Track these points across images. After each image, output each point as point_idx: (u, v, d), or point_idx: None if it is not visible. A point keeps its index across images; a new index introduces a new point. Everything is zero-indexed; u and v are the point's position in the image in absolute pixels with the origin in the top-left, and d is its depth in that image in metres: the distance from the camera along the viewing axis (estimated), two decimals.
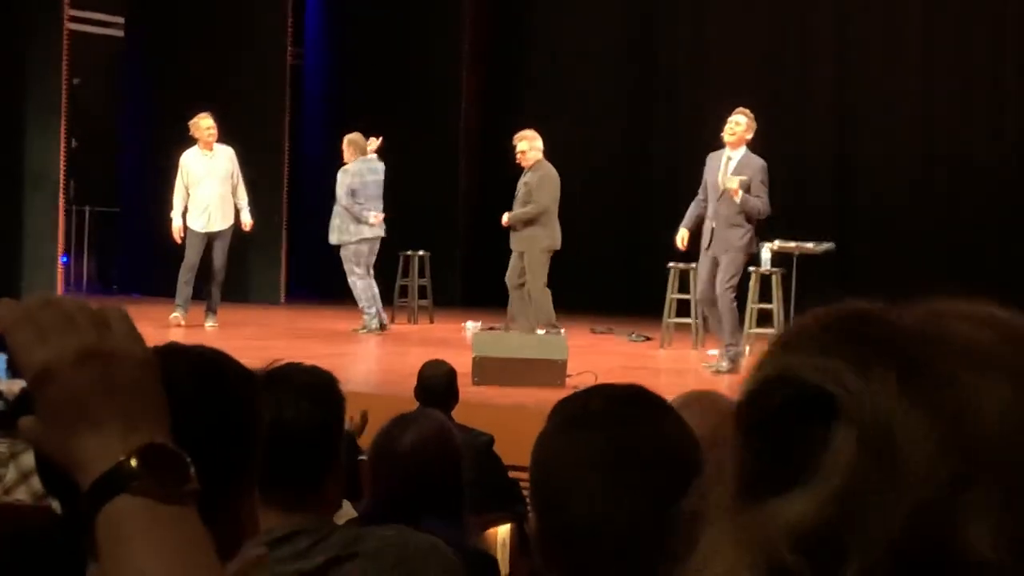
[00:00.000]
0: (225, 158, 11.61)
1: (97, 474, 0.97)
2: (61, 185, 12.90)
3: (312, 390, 2.33)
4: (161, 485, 0.97)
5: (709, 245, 9.52)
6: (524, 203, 10.63)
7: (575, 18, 15.01)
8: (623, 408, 1.61)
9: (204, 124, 11.49)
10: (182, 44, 14.30)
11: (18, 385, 1.02)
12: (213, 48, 14.16)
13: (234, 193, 11.58)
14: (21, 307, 1.01)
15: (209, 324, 11.54)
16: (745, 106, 9.90)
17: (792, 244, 10.97)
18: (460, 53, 15.27)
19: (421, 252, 13.07)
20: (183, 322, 11.33)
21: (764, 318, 10.91)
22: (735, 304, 9.65)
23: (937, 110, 13.41)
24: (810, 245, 11.03)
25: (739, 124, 9.51)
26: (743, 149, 9.53)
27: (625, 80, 14.79)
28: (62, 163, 12.84)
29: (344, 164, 11.79)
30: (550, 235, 10.65)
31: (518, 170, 11.10)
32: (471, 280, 14.98)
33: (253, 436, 1.48)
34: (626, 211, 14.73)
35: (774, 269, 10.77)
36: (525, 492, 5.39)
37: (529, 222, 10.58)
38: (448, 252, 14.46)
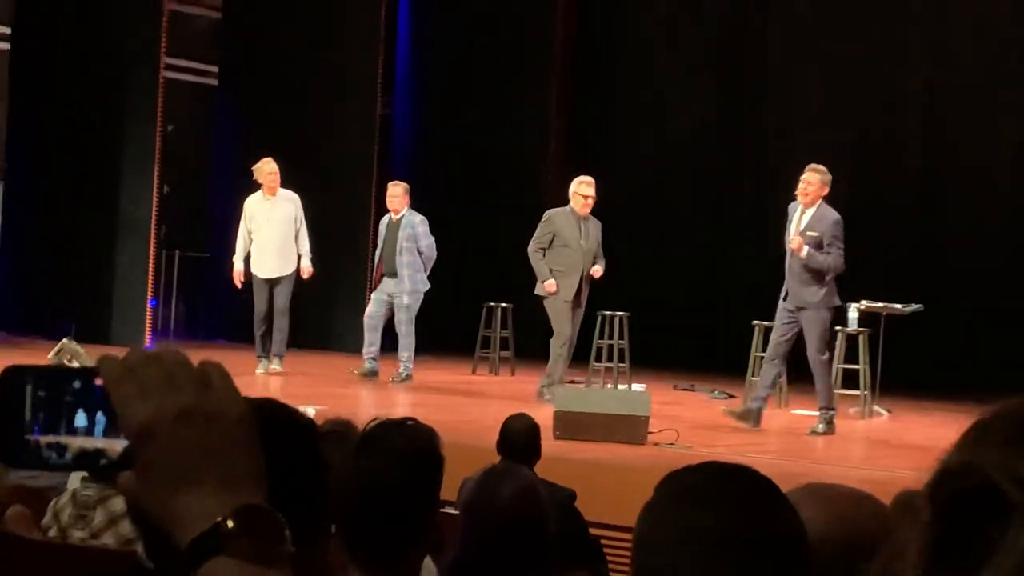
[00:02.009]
0: (288, 203, 11.46)
1: (194, 533, 0.97)
2: (152, 229, 13.10)
3: (409, 454, 2.30)
4: (257, 546, 0.97)
5: (786, 296, 9.47)
6: (595, 251, 10.56)
7: (661, 75, 15.03)
8: (733, 489, 1.59)
9: (267, 169, 11.38)
10: (274, 93, 14.51)
11: (120, 444, 1.03)
12: (304, 97, 14.35)
13: (297, 239, 11.46)
14: (124, 362, 1.02)
15: (273, 367, 11.39)
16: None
17: (880, 304, 10.85)
18: (547, 106, 15.35)
19: (504, 304, 13.09)
20: (267, 371, 11.27)
21: (850, 378, 10.77)
22: (829, 365, 9.58)
23: None
24: (898, 306, 10.90)
25: (811, 184, 9.41)
26: (819, 203, 9.45)
27: (708, 137, 14.75)
28: (154, 208, 13.04)
29: (402, 211, 11.61)
30: None
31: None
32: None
33: (316, 487, 1.48)
34: (709, 265, 14.65)
35: (861, 329, 10.65)
36: (606, 550, 5.34)
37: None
38: (531, 304, 14.44)
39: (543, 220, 10.68)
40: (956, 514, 0.67)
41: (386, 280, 11.53)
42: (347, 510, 2.21)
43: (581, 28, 15.65)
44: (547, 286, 10.50)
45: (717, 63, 14.91)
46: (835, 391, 9.97)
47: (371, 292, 11.77)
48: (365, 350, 11.58)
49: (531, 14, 15.32)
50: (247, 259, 11.40)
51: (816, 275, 9.29)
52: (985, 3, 13.49)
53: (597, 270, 10.58)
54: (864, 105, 13.97)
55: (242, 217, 11.49)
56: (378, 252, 11.71)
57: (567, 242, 10.54)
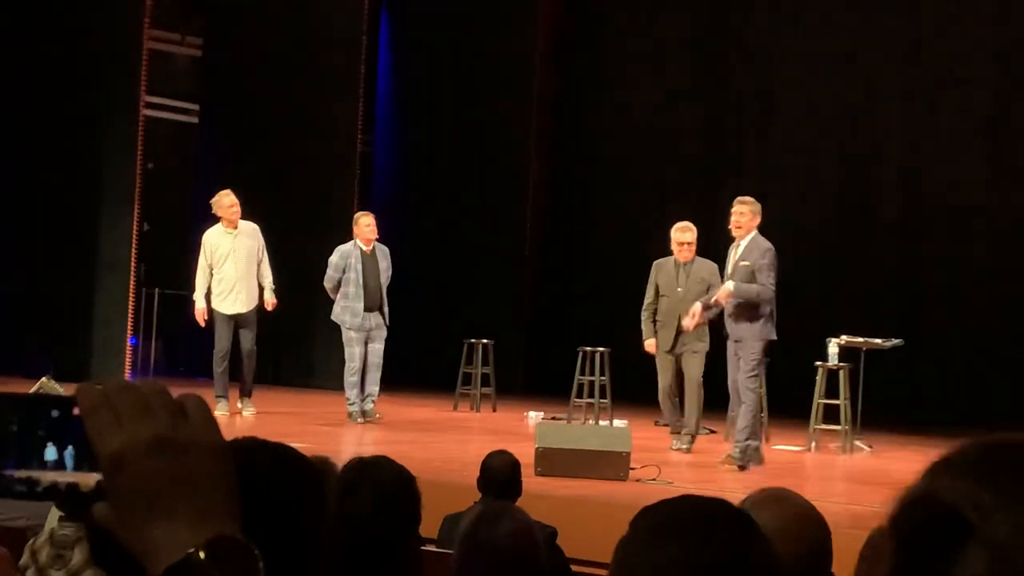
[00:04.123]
0: (250, 235, 11.14)
1: (166, 565, 0.96)
2: (132, 267, 13.06)
3: (388, 493, 2.32)
4: None
5: (728, 333, 9.52)
6: (699, 292, 10.22)
7: (642, 109, 15.09)
8: (708, 522, 1.60)
9: (227, 201, 11.10)
10: (254, 131, 14.52)
11: (93, 478, 1.02)
12: (285, 135, 14.36)
13: (259, 270, 11.12)
14: (99, 391, 1.02)
15: (248, 412, 11.10)
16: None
17: (860, 339, 10.87)
18: (528, 143, 15.40)
19: (485, 340, 13.07)
20: (227, 412, 10.86)
21: (831, 413, 10.78)
22: (757, 396, 9.53)
23: (1005, 206, 13.29)
24: (878, 341, 10.93)
25: (743, 215, 9.43)
26: (752, 234, 9.44)
27: (689, 182, 14.79)
28: (134, 246, 13.01)
29: (373, 242, 11.27)
30: None
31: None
32: (534, 369, 14.96)
33: (318, 529, 1.49)
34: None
35: (842, 364, 10.66)
36: None
37: None
38: (512, 341, 14.45)
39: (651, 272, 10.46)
40: (920, 541, 0.71)
41: (367, 315, 11.11)
42: (330, 547, 2.21)
43: (562, 67, 15.71)
44: (646, 346, 10.34)
45: (697, 109, 14.97)
46: (815, 426, 9.92)
47: (351, 331, 11.19)
48: (356, 394, 11.21)
49: (511, 52, 15.39)
50: (208, 295, 11.04)
51: (750, 309, 9.24)
52: (960, 40, 13.60)
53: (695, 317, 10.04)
54: (844, 137, 14.04)
55: (201, 252, 11.12)
56: (356, 286, 11.08)
57: (665, 291, 10.32)
